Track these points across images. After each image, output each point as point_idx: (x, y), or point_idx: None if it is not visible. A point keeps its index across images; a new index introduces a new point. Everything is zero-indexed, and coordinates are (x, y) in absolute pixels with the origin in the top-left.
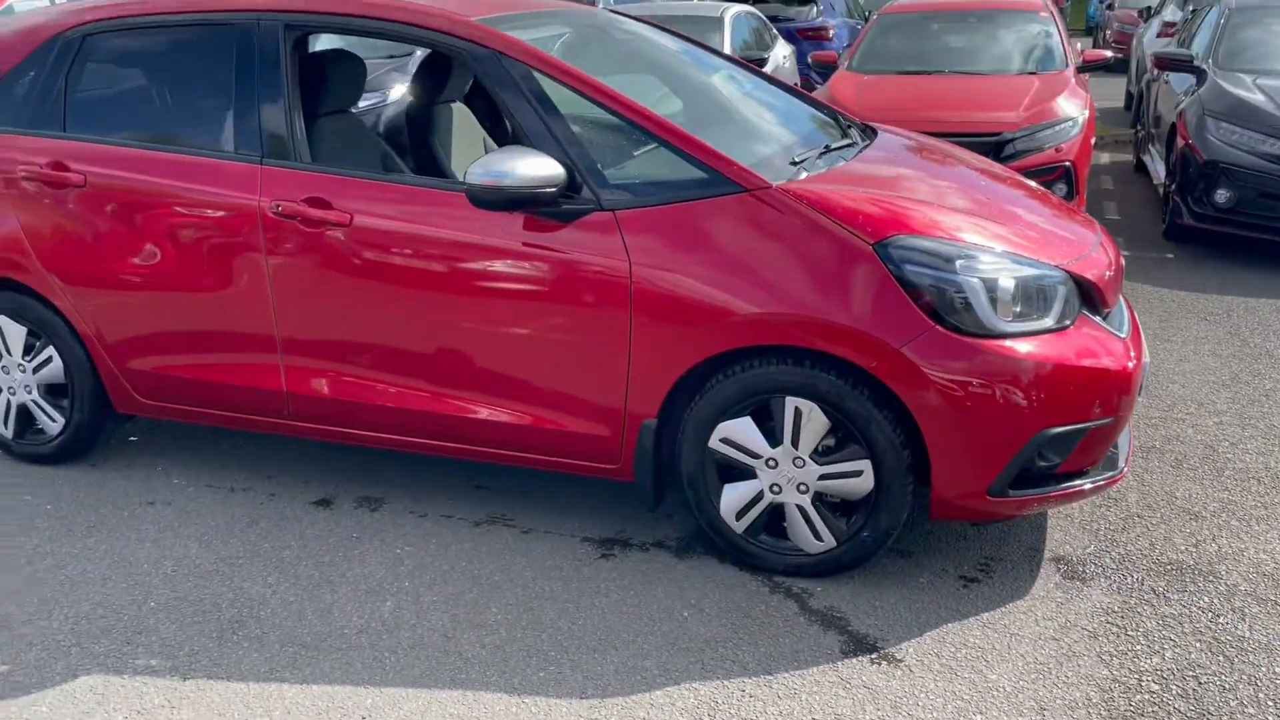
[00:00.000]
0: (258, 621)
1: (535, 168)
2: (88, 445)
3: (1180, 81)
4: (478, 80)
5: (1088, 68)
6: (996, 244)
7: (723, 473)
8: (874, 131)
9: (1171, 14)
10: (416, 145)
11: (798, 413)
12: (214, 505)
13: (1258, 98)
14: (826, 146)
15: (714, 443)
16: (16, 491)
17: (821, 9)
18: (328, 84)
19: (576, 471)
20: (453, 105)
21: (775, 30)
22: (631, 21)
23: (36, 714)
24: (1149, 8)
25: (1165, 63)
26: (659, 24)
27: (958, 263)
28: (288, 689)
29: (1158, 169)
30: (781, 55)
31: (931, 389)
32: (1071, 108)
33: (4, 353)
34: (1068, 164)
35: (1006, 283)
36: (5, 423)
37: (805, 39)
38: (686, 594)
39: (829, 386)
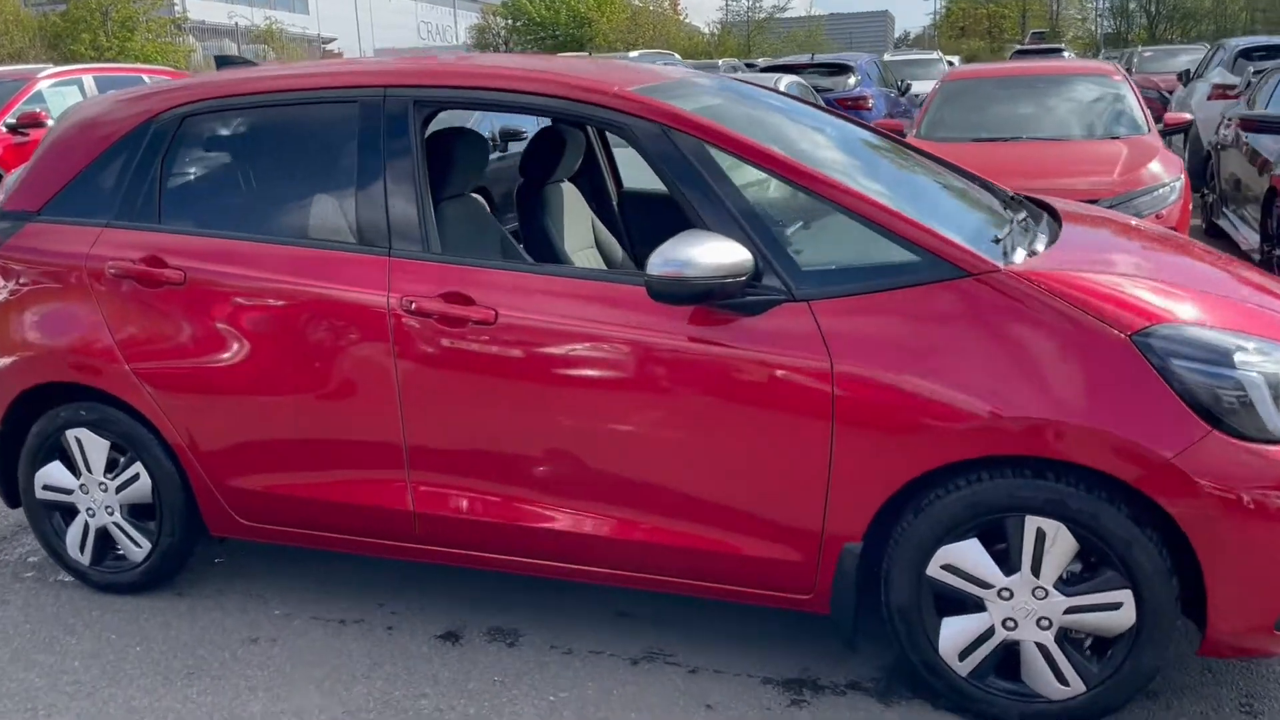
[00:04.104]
0: None
1: (719, 254)
2: (174, 571)
3: (1271, 143)
4: (587, 158)
5: (1170, 131)
6: (1269, 336)
7: (940, 604)
8: (1043, 203)
9: (1221, 77)
10: (529, 227)
11: (1040, 534)
12: (326, 641)
13: None
14: (1014, 221)
15: (933, 570)
16: (99, 629)
17: (859, 78)
18: (453, 165)
19: (756, 601)
20: (562, 185)
21: (821, 100)
22: (766, 91)
23: None
24: (1187, 71)
25: (1254, 125)
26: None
27: (1235, 356)
28: None
29: (1244, 234)
30: None
31: (1211, 505)
32: (1168, 173)
33: (83, 470)
34: None
35: None
36: (82, 548)
37: (845, 109)
38: None
39: (1081, 503)
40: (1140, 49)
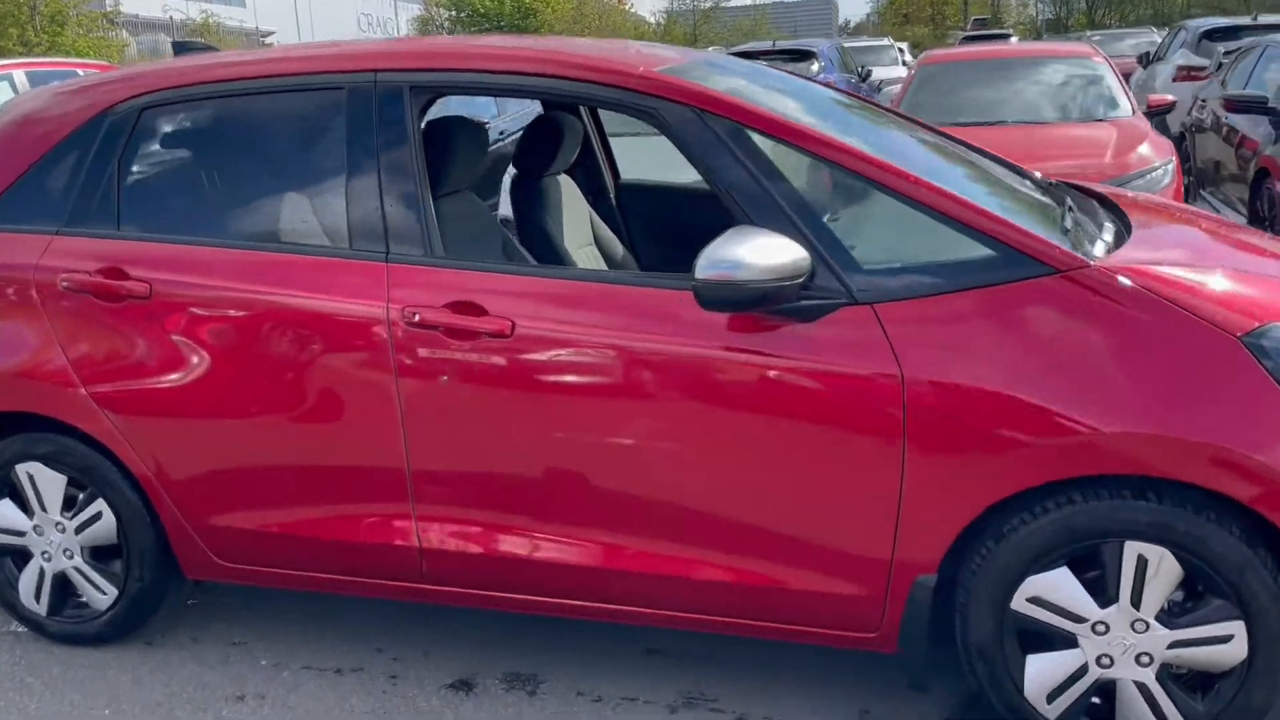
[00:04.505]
0: None
1: (772, 253)
2: (144, 619)
3: (1252, 124)
4: (583, 148)
5: (1154, 114)
6: None
7: (1023, 640)
8: (1088, 190)
9: (1185, 58)
10: (525, 224)
11: (1141, 561)
12: (322, 695)
13: None
14: (1071, 210)
15: (1018, 603)
16: (60, 689)
17: (823, 65)
18: (450, 158)
19: (809, 640)
20: (559, 178)
21: None
22: (782, 72)
23: None
24: (1147, 54)
25: (1237, 105)
26: None
27: None
28: None
29: (1228, 217)
30: None
31: None
32: (1159, 155)
33: (36, 509)
34: None
35: None
36: (37, 596)
37: None
38: None
39: (1188, 525)
40: (1088, 33)
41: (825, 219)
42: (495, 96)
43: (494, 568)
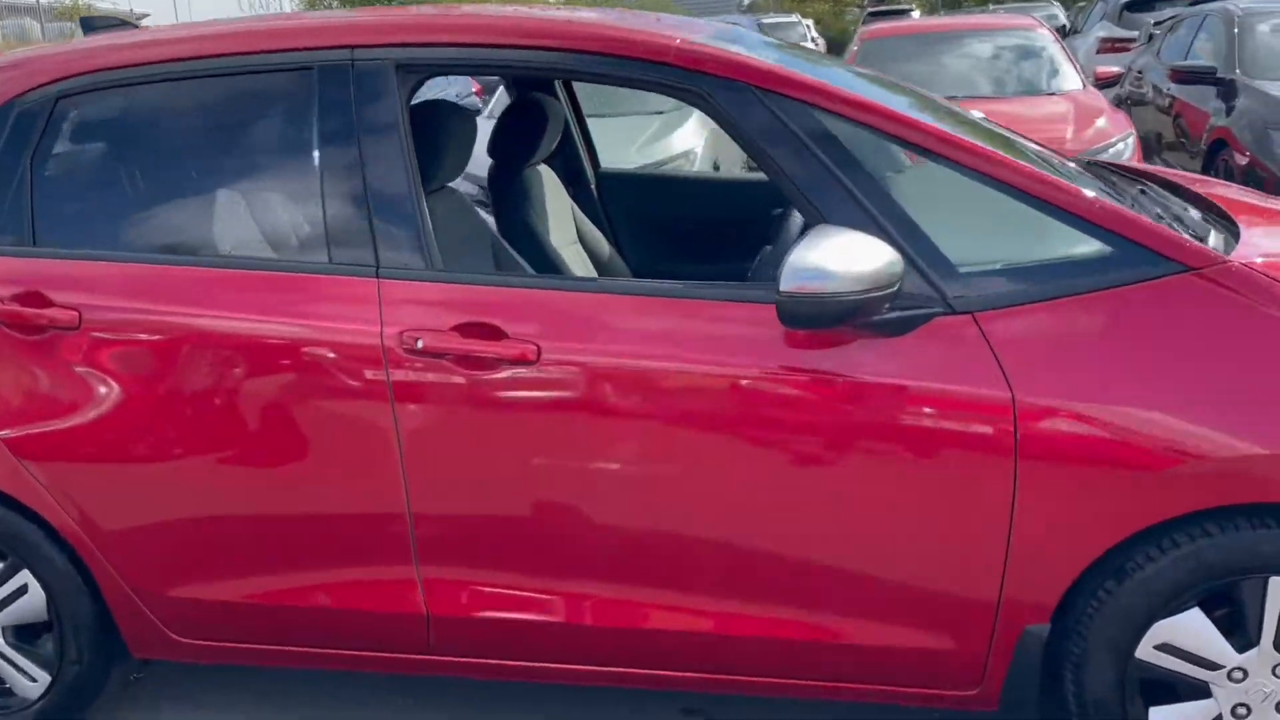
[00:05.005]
0: None
1: (862, 257)
2: (83, 706)
3: (1200, 95)
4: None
5: (1103, 85)
6: None
7: (1145, 690)
8: (1121, 167)
9: (1107, 30)
10: (505, 221)
11: None
12: None
13: None
14: (1145, 192)
15: (1144, 651)
16: None
17: None
18: (438, 149)
19: (896, 700)
20: (540, 168)
21: None
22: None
23: None
24: (1064, 26)
25: (1185, 76)
26: None
27: None
28: None
29: None
30: None
31: None
32: (1118, 129)
33: None
34: None
35: None
36: None
37: None
38: None
39: None
40: (991, 7)
41: (939, 215)
42: (498, 75)
43: (519, 635)
